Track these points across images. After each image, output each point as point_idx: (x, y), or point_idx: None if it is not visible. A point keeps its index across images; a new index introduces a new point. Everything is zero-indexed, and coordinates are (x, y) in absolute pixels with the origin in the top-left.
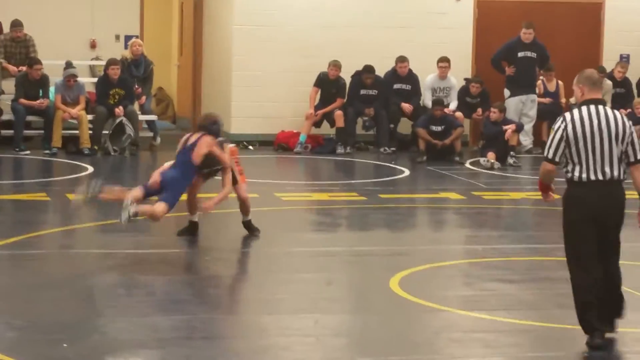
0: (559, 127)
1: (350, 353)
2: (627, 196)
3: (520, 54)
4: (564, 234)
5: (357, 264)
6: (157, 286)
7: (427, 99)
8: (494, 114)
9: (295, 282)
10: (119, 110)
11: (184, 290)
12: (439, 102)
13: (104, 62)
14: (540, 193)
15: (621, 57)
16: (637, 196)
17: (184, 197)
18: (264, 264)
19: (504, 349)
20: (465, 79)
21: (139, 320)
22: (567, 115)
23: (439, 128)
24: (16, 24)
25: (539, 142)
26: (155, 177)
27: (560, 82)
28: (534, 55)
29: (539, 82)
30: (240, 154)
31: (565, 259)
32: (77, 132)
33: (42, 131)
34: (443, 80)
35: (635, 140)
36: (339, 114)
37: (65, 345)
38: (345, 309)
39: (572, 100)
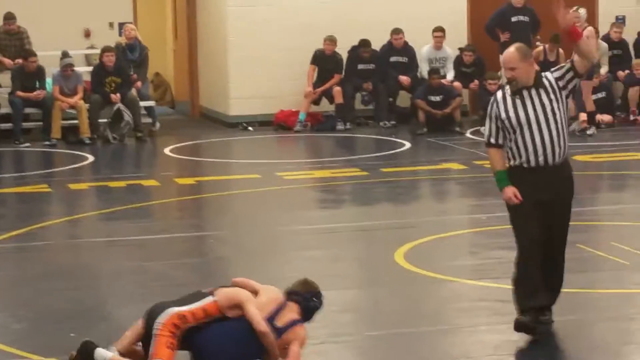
0: None
1: (358, 328)
2: None
3: (513, 19)
4: None
5: (362, 238)
6: (163, 271)
7: (424, 71)
8: (490, 84)
9: (301, 259)
10: (116, 97)
11: (191, 273)
12: (435, 71)
13: (98, 51)
14: None
15: (617, 18)
16: None
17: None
18: (269, 244)
19: (511, 317)
20: (459, 49)
21: (146, 307)
22: None
23: (438, 98)
24: (9, 17)
25: None
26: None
27: (561, 51)
28: (526, 19)
29: (540, 48)
30: (240, 135)
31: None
32: (76, 122)
33: (41, 123)
34: (439, 50)
35: None
36: (337, 90)
37: (72, 334)
38: (352, 284)
39: None
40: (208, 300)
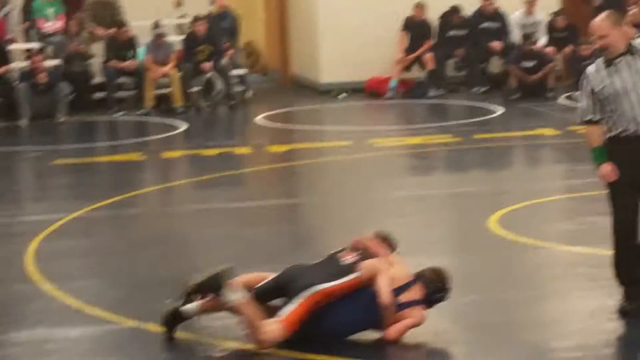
0: None
1: (452, 294)
2: None
3: None
4: None
5: (454, 205)
6: (256, 238)
7: (516, 36)
8: (583, 50)
9: (394, 226)
10: (208, 65)
11: (284, 240)
12: (528, 37)
13: (190, 20)
14: None
15: None
16: None
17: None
18: (361, 211)
19: (605, 282)
20: (551, 14)
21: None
22: None
23: (531, 64)
24: None
25: None
26: None
27: None
28: None
29: (636, 10)
30: (332, 102)
31: None
32: (169, 90)
33: (134, 92)
34: (530, 16)
35: None
36: (429, 56)
37: (168, 300)
38: (445, 250)
39: None
40: (352, 276)
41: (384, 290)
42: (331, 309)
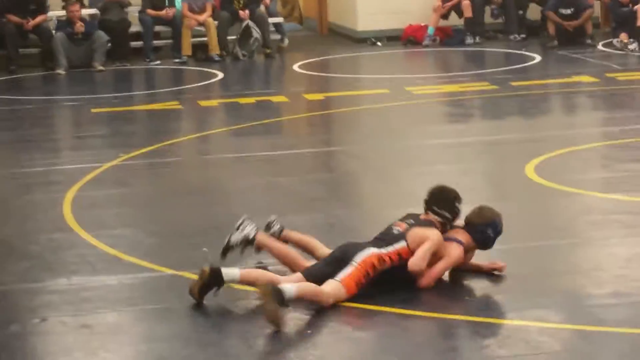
0: None
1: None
2: None
3: None
4: None
5: (492, 152)
6: (292, 186)
7: None
8: None
9: (430, 174)
10: (244, 13)
11: (320, 188)
12: None
13: None
14: None
15: None
16: None
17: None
18: (398, 158)
19: None
20: None
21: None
22: None
23: (569, 11)
24: None
25: None
26: None
27: None
28: None
29: None
30: (369, 50)
31: None
32: (205, 39)
33: (171, 40)
34: None
35: None
36: (466, 3)
37: (205, 249)
38: (482, 198)
39: None
40: (401, 244)
41: (417, 254)
42: (385, 277)
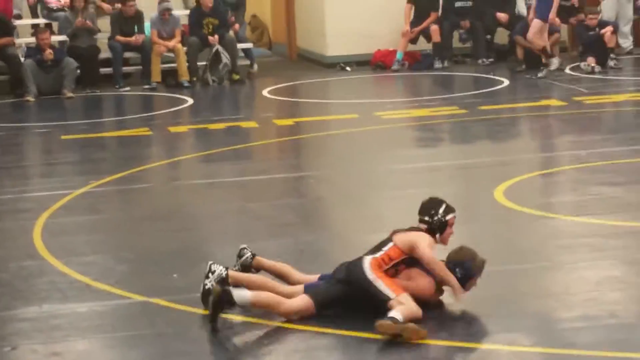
0: None
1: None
2: None
3: None
4: None
5: (461, 176)
6: (263, 211)
7: (521, 7)
8: (590, 20)
9: (401, 198)
10: (214, 38)
11: (290, 213)
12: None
13: None
14: None
15: None
16: None
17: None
18: (368, 183)
19: (612, 252)
20: None
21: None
22: None
23: None
24: None
25: None
26: None
27: None
28: None
29: None
30: (338, 75)
31: None
32: (175, 65)
33: (141, 67)
34: None
35: None
36: (434, 28)
37: (175, 275)
38: None
39: None
40: (389, 245)
41: (419, 251)
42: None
